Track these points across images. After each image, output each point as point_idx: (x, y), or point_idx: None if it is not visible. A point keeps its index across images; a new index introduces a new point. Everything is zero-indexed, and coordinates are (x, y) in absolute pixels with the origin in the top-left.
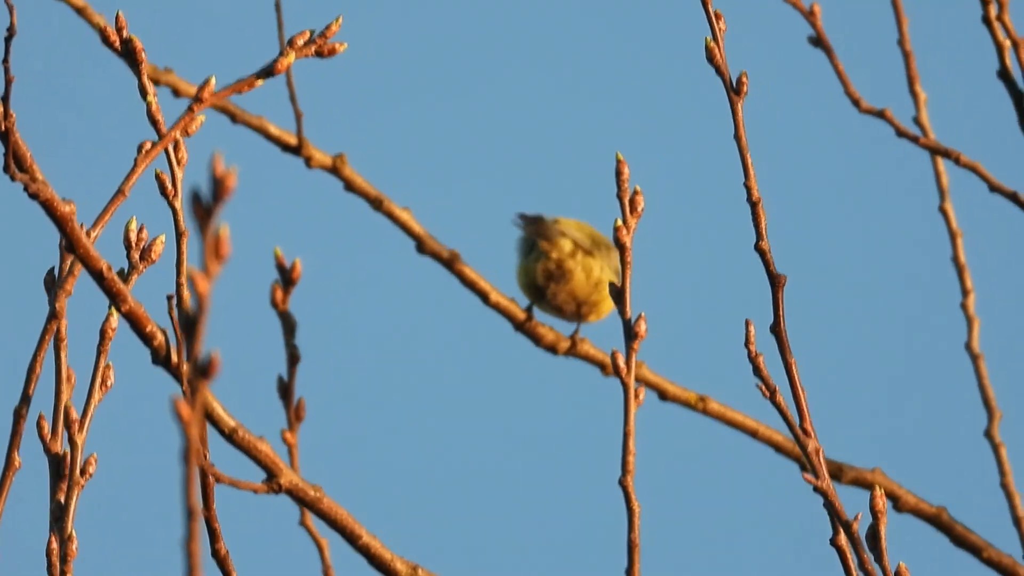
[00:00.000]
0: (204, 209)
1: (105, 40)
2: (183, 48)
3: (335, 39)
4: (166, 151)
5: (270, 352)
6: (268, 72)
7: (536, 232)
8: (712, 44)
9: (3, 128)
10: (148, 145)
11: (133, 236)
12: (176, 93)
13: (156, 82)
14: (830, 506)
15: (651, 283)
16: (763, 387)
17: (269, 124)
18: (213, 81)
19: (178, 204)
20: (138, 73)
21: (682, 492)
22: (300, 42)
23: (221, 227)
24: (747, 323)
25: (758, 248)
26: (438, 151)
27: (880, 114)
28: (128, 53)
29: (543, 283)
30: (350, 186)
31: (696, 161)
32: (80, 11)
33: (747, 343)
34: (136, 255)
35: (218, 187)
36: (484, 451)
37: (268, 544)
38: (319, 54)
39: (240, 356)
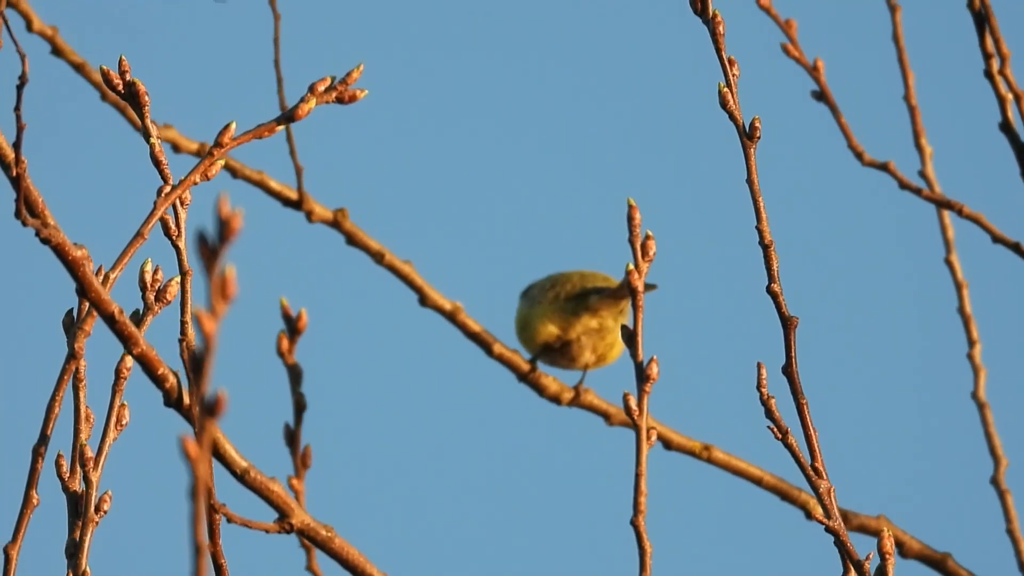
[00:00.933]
0: (210, 250)
1: (108, 83)
2: (180, 106)
3: (356, 86)
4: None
5: (276, 401)
6: (289, 118)
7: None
8: (725, 90)
9: (15, 174)
10: (167, 188)
11: (148, 277)
12: (176, 148)
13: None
14: (842, 545)
15: (656, 328)
16: (775, 428)
17: (269, 179)
18: (233, 127)
19: (182, 244)
20: (141, 115)
21: (688, 539)
22: (321, 88)
23: (227, 267)
24: (759, 366)
25: (770, 290)
26: (439, 205)
27: (883, 167)
28: (131, 96)
29: (576, 337)
30: (352, 240)
31: (705, 205)
32: (79, 68)
33: (759, 385)
34: (151, 296)
35: (224, 228)
36: (490, 500)
37: None
38: (340, 100)
39: (246, 404)
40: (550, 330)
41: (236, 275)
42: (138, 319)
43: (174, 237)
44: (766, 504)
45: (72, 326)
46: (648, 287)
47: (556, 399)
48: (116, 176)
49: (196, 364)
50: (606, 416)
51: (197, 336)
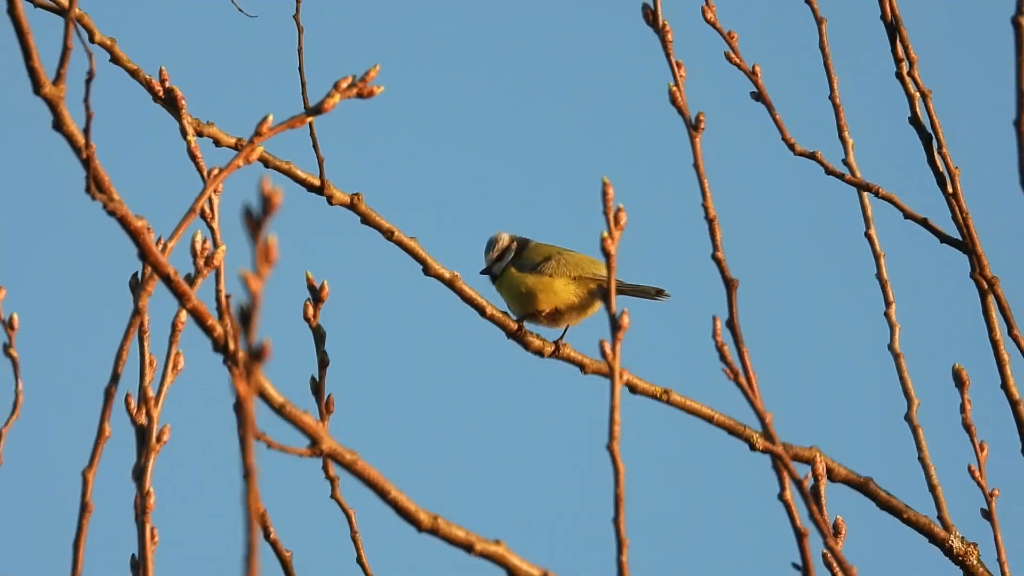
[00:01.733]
0: (255, 221)
1: (150, 90)
2: (218, 106)
3: (373, 83)
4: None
5: (303, 358)
6: (317, 110)
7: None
8: (674, 88)
9: (85, 156)
10: (216, 171)
11: (198, 247)
12: (217, 143)
13: (200, 134)
14: (785, 466)
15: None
16: (727, 370)
17: (296, 168)
18: (271, 118)
19: (215, 225)
20: (178, 116)
21: (652, 471)
22: (344, 85)
23: (269, 236)
24: (714, 319)
25: (714, 257)
26: (439, 190)
27: (812, 156)
28: (170, 100)
29: (572, 303)
30: (366, 220)
31: (662, 186)
32: (133, 73)
33: (714, 335)
34: (201, 262)
35: (266, 203)
36: (483, 437)
37: (305, 514)
38: (360, 95)
39: (278, 361)
40: (551, 304)
41: (276, 243)
42: (190, 280)
43: (208, 219)
44: (717, 439)
45: (136, 286)
46: (662, 294)
47: (539, 352)
48: (163, 163)
49: (244, 318)
50: (581, 366)
51: (244, 294)
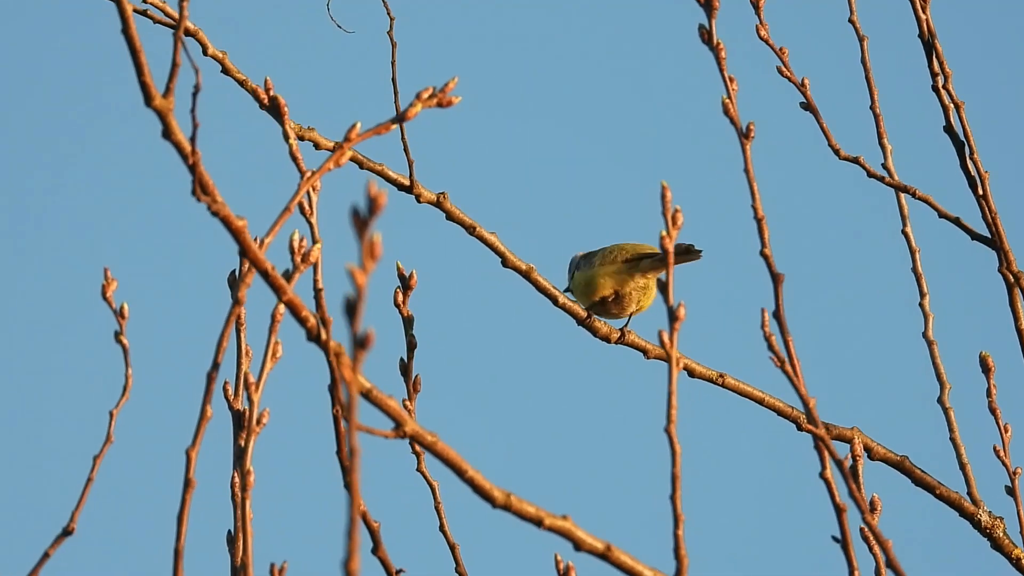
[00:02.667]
0: (362, 221)
1: (256, 98)
2: (319, 112)
3: (452, 94)
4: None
5: (393, 341)
6: (400, 119)
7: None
8: (727, 101)
9: (191, 162)
10: (309, 173)
11: (295, 244)
12: (316, 146)
13: (301, 138)
14: (826, 447)
15: (682, 281)
16: (775, 358)
17: (388, 169)
18: (359, 125)
19: (314, 220)
20: (281, 122)
21: (707, 449)
22: (425, 95)
23: (375, 234)
24: (763, 311)
25: (762, 254)
26: (518, 189)
27: (855, 160)
28: (274, 108)
29: (627, 293)
30: (450, 216)
31: (717, 191)
32: (242, 83)
33: (762, 325)
34: (298, 259)
35: (372, 203)
36: (555, 417)
37: (392, 487)
38: (439, 105)
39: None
40: (609, 286)
41: (381, 241)
42: (288, 275)
43: (308, 215)
44: (767, 419)
45: (234, 282)
46: (694, 252)
47: (606, 339)
48: (267, 165)
49: (350, 309)
50: (644, 351)
51: (351, 286)
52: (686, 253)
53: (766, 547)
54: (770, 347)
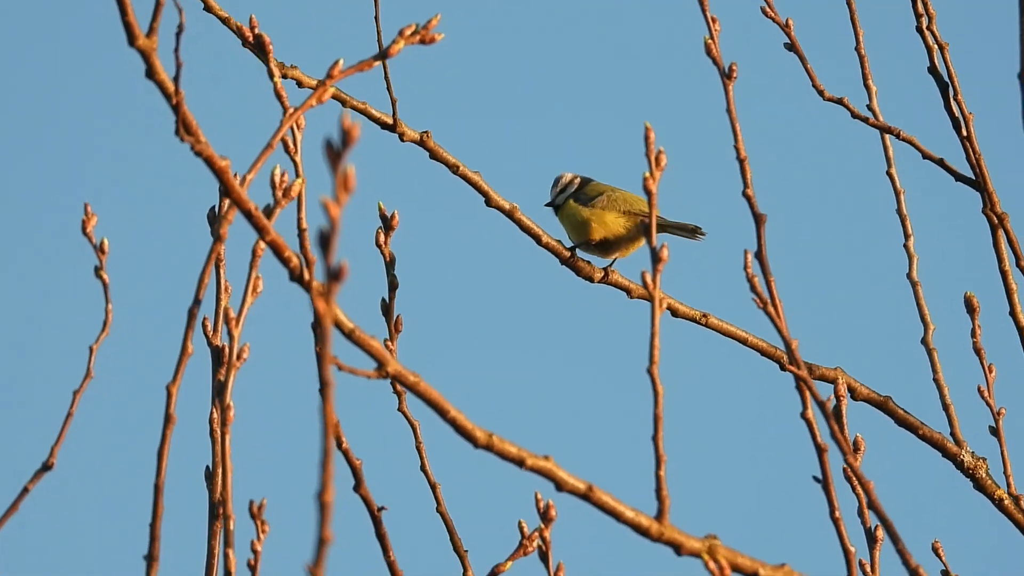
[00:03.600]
0: (335, 153)
1: (241, 36)
2: (302, 51)
3: (435, 31)
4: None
5: (374, 281)
6: (384, 55)
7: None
8: (709, 41)
9: (175, 102)
10: (291, 109)
11: (277, 179)
12: (299, 84)
13: (284, 76)
14: (808, 387)
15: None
16: (757, 299)
17: (371, 108)
18: (341, 62)
19: (298, 159)
20: (266, 60)
21: (690, 388)
22: (408, 32)
23: (348, 167)
24: (745, 252)
25: (745, 194)
26: (501, 128)
27: (840, 101)
28: (259, 45)
29: (622, 233)
30: (434, 155)
31: (698, 132)
32: (225, 21)
33: (745, 267)
34: (279, 193)
35: (346, 136)
36: (537, 355)
37: (368, 428)
38: (422, 42)
39: (351, 285)
40: (603, 232)
41: (354, 173)
42: (269, 211)
43: (292, 153)
44: (750, 359)
45: (215, 217)
46: (698, 231)
47: (589, 278)
48: (250, 103)
49: (323, 241)
50: (628, 291)
51: (324, 219)
52: (692, 232)
53: (748, 487)
54: (752, 288)
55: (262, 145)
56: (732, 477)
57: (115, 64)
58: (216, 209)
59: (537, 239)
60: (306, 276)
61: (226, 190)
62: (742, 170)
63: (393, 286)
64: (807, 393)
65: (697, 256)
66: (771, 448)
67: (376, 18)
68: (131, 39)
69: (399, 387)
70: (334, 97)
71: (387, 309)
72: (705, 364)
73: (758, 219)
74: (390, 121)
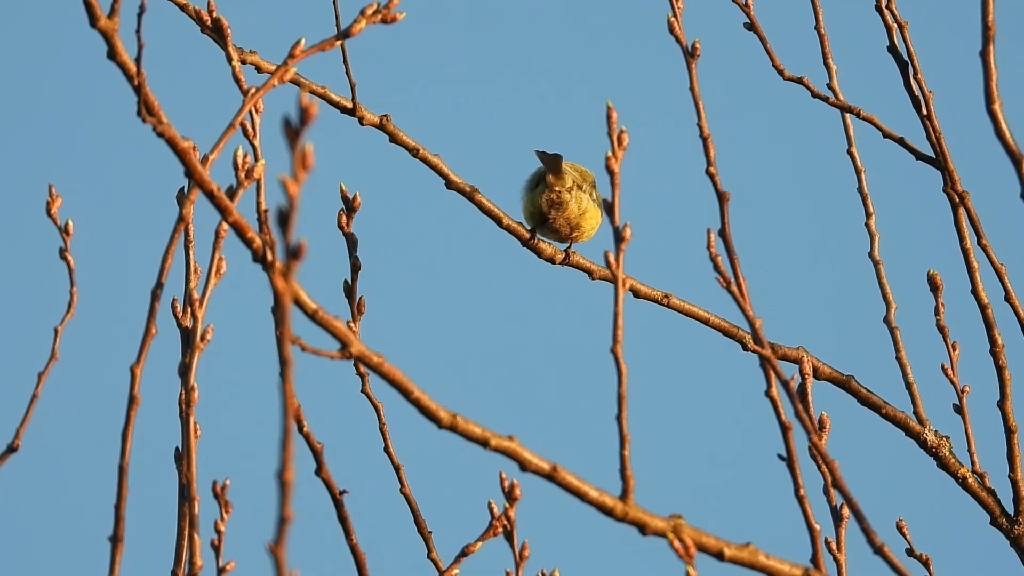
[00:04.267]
0: (293, 131)
1: (199, 19)
2: (261, 37)
3: (396, 10)
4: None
5: (336, 264)
6: (345, 34)
7: (549, 164)
8: (672, 19)
9: (136, 83)
10: (253, 90)
11: (239, 160)
12: (258, 70)
13: (243, 61)
14: (772, 367)
15: (629, 206)
16: (720, 279)
17: (331, 92)
18: (303, 41)
19: (257, 143)
20: (224, 44)
21: (653, 368)
22: (369, 11)
23: (306, 144)
24: (708, 231)
25: (708, 172)
26: (462, 110)
27: (799, 81)
28: (217, 29)
29: (546, 209)
30: (394, 139)
31: (662, 110)
32: (183, 7)
33: (708, 246)
34: (242, 175)
35: (304, 113)
36: (500, 336)
37: (331, 410)
38: (384, 21)
39: (313, 266)
40: (529, 208)
41: (313, 151)
42: (231, 193)
43: (251, 137)
44: (712, 339)
45: (181, 198)
46: (548, 156)
47: (551, 260)
48: (210, 87)
49: (282, 220)
50: (589, 272)
51: (283, 197)
52: (552, 160)
53: (713, 467)
54: (716, 267)
55: (223, 129)
56: (696, 457)
57: (77, 45)
58: (183, 190)
59: (498, 221)
60: (268, 257)
61: (189, 171)
62: (705, 148)
63: (356, 268)
64: (771, 372)
65: (659, 236)
66: (735, 428)
67: (334, 1)
68: (92, 20)
69: (362, 369)
70: (293, 82)
71: (350, 291)
72: (668, 345)
73: (722, 197)
74: (349, 105)
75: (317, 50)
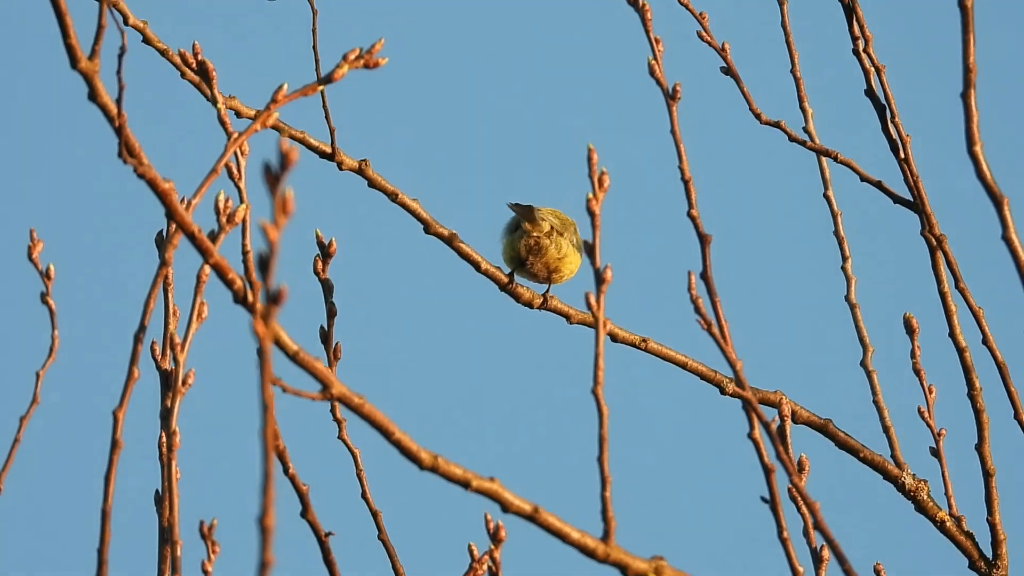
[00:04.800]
0: (274, 176)
1: (185, 63)
2: (239, 83)
3: (378, 55)
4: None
5: (312, 309)
6: (327, 80)
7: (524, 215)
8: (653, 62)
9: (117, 124)
10: (235, 134)
11: (221, 204)
12: (238, 115)
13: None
14: (754, 409)
15: (607, 248)
16: (702, 321)
17: (310, 137)
18: (286, 86)
19: (242, 185)
20: (210, 86)
21: (631, 412)
22: (352, 57)
23: (287, 190)
24: (689, 273)
25: (689, 215)
26: (440, 156)
27: (776, 124)
28: (202, 72)
29: (524, 255)
30: (372, 184)
31: (643, 153)
32: (163, 53)
33: (689, 288)
34: (224, 219)
35: (284, 159)
36: (478, 380)
37: (314, 453)
38: (366, 66)
39: (291, 311)
40: (508, 251)
41: (293, 196)
42: (213, 237)
43: (236, 179)
44: (690, 383)
45: (162, 242)
46: (521, 207)
47: (529, 304)
48: (192, 131)
49: (263, 264)
50: (567, 316)
51: (263, 242)
52: (527, 211)
53: (693, 508)
54: (697, 310)
55: (202, 177)
56: (677, 498)
57: (58, 87)
58: (164, 233)
59: (476, 266)
60: (250, 298)
61: (170, 213)
62: (687, 191)
63: (332, 313)
64: (753, 415)
65: (637, 278)
66: (715, 470)
67: (314, 47)
68: (73, 61)
69: (339, 415)
70: (273, 127)
71: (326, 336)
72: (647, 387)
73: (703, 239)
74: (328, 150)
75: (300, 95)
